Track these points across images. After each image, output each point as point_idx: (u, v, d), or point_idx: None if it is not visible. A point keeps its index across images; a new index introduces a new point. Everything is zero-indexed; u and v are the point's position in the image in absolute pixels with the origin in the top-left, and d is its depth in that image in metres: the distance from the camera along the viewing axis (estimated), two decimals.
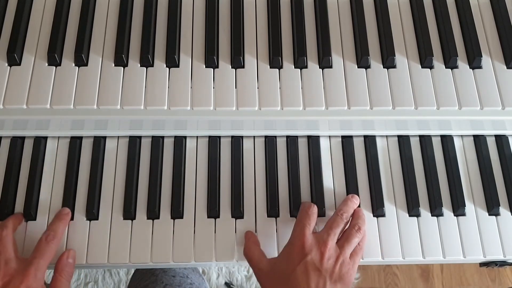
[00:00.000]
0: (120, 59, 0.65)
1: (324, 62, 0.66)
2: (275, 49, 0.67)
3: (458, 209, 0.69)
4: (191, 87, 0.65)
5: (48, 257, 0.61)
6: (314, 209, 0.65)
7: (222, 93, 0.64)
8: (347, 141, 0.72)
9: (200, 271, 1.37)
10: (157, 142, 0.71)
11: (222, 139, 0.72)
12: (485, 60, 0.68)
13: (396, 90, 0.66)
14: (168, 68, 0.66)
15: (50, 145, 0.70)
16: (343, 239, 0.63)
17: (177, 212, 0.67)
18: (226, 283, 1.46)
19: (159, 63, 0.66)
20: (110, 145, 0.71)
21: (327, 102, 0.65)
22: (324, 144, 0.72)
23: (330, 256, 0.60)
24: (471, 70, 0.68)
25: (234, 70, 0.66)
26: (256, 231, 0.67)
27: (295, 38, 0.68)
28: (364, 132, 0.72)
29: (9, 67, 0.64)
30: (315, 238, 0.62)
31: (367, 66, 0.67)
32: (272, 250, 0.66)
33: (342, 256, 0.61)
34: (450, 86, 0.66)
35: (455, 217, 0.69)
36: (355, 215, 0.66)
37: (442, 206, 0.69)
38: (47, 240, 0.61)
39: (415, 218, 0.69)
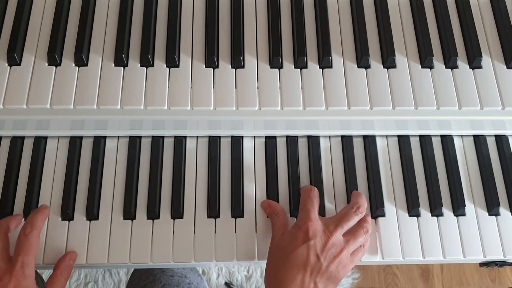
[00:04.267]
0: (120, 59, 0.65)
1: (324, 62, 0.66)
2: (275, 49, 0.67)
3: (458, 209, 0.69)
4: (191, 87, 0.65)
5: (31, 251, 0.60)
6: (316, 191, 0.66)
7: (222, 93, 0.64)
8: (347, 141, 0.72)
9: (200, 271, 1.38)
10: (157, 142, 0.71)
11: (222, 139, 0.72)
12: (485, 60, 0.68)
13: (396, 90, 0.66)
14: (168, 68, 0.66)
15: (50, 145, 0.70)
16: (350, 235, 0.63)
17: (177, 212, 0.67)
18: (226, 283, 1.46)
19: (159, 63, 0.66)
20: (110, 145, 0.71)
21: (327, 102, 0.65)
22: (324, 144, 0.72)
23: (333, 246, 0.60)
24: (471, 70, 0.68)
25: (234, 70, 0.66)
26: (256, 231, 0.67)
27: (295, 38, 0.68)
28: (364, 132, 0.72)
29: (9, 67, 0.64)
30: (323, 224, 0.62)
31: (367, 66, 0.67)
32: None
33: (346, 251, 0.61)
34: (450, 86, 0.66)
35: (455, 217, 0.69)
36: (363, 218, 0.65)
37: (442, 206, 0.69)
38: (25, 234, 0.60)
39: (415, 218, 0.69)
